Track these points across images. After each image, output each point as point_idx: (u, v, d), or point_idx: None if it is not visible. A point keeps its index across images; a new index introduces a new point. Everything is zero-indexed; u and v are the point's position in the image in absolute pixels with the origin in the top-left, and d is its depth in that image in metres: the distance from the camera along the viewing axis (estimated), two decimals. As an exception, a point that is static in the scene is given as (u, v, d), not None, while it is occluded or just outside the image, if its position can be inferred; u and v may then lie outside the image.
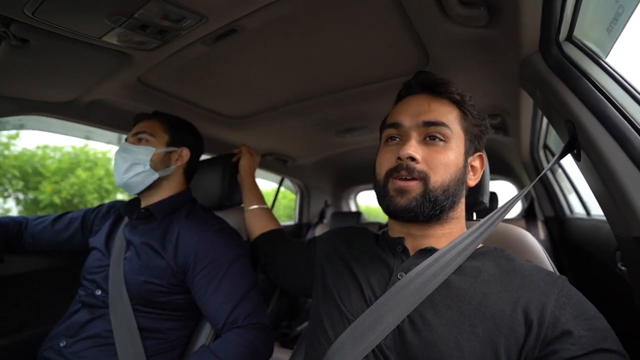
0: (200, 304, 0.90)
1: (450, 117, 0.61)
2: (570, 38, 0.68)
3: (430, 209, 0.58)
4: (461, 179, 0.62)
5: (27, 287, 1.13)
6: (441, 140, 0.60)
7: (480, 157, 0.67)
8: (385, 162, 0.62)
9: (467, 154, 0.63)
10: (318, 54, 0.91)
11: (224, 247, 0.94)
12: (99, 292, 0.92)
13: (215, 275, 0.89)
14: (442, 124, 0.60)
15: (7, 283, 1.08)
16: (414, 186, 0.58)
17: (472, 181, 0.66)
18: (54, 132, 1.32)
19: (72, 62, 0.84)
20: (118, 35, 0.72)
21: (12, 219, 1.07)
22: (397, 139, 0.63)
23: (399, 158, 0.59)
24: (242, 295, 0.89)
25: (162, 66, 0.92)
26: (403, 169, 0.59)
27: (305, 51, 0.89)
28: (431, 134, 0.60)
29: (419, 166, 0.58)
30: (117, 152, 0.98)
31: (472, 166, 0.66)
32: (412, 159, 0.58)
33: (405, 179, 0.59)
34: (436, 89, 0.64)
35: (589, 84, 0.60)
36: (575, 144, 0.63)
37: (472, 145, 0.64)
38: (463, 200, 0.66)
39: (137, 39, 0.75)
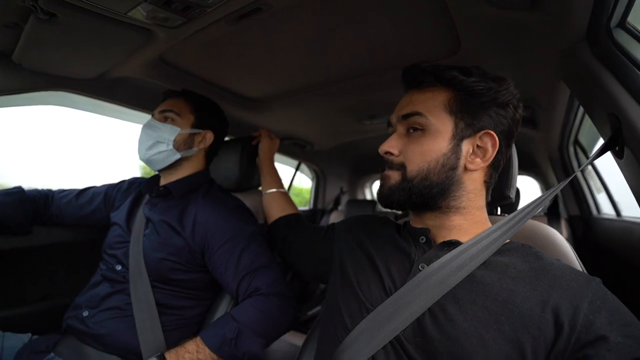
0: (221, 279, 0.91)
1: (431, 104, 0.60)
2: (622, 24, 0.62)
3: (407, 197, 0.60)
4: (448, 164, 0.59)
5: (52, 257, 1.18)
6: (420, 129, 0.61)
7: (489, 134, 0.59)
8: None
9: (460, 137, 0.59)
10: (344, 36, 0.88)
11: (241, 222, 0.96)
12: (119, 267, 0.95)
13: (234, 250, 0.91)
14: (417, 114, 0.61)
15: (34, 253, 1.12)
16: (392, 175, 0.62)
17: (476, 164, 0.60)
18: (80, 109, 1.34)
19: (97, 38, 0.84)
20: (143, 10, 0.71)
21: (39, 191, 1.10)
22: None
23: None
24: (262, 266, 0.90)
25: (184, 45, 0.91)
26: (385, 162, 0.64)
27: (330, 33, 0.86)
28: (411, 126, 0.62)
29: (397, 159, 0.62)
30: (143, 128, 1.00)
31: (479, 147, 0.60)
32: (390, 153, 0.62)
33: (385, 169, 0.64)
34: (416, 79, 0.64)
35: None
36: (619, 140, 0.59)
37: (471, 125, 0.59)
38: (472, 190, 0.61)
39: (162, 15, 0.74)
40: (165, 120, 1.00)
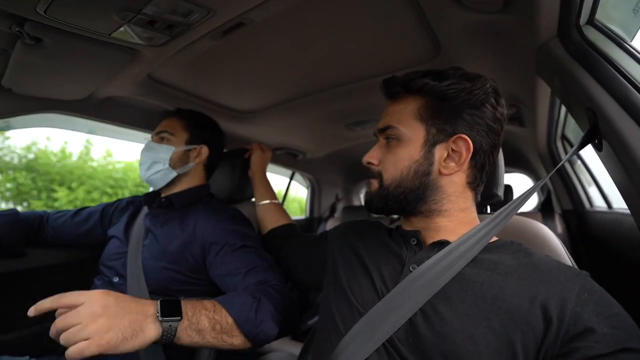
0: (224, 285, 0.89)
1: (402, 115, 0.63)
2: (591, 21, 0.64)
3: (384, 204, 0.64)
4: (421, 170, 0.61)
5: (48, 279, 1.17)
6: (395, 139, 0.64)
7: (462, 139, 0.59)
8: None
9: (431, 143, 0.60)
10: (327, 46, 0.89)
11: (242, 227, 0.97)
12: (116, 279, 0.95)
13: (236, 249, 0.90)
14: (389, 127, 0.64)
15: (28, 276, 1.12)
16: (373, 182, 0.67)
17: (450, 169, 0.60)
18: (75, 130, 1.35)
19: (84, 60, 0.85)
20: (127, 31, 0.73)
21: (33, 213, 1.11)
22: None
23: None
24: (268, 265, 0.89)
25: (171, 62, 0.92)
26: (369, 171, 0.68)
27: (314, 43, 0.88)
28: (387, 136, 0.65)
29: (376, 168, 0.66)
30: (142, 150, 1.04)
31: (454, 151, 0.60)
32: (371, 163, 0.67)
33: (370, 179, 0.68)
34: (389, 92, 0.67)
35: (612, 69, 0.57)
36: (597, 134, 0.60)
37: (443, 131, 0.60)
38: (452, 193, 0.61)
39: (146, 35, 0.75)
40: (161, 141, 1.04)
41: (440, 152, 0.61)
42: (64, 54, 0.80)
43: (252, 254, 0.90)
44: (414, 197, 0.62)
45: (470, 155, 0.60)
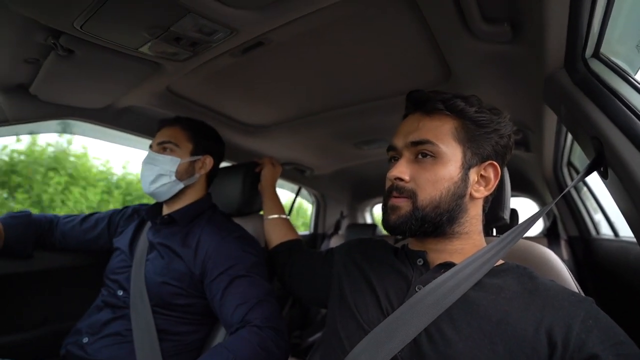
0: (217, 307, 0.90)
1: (440, 131, 0.61)
2: (597, 55, 0.67)
3: (419, 226, 0.60)
4: (458, 193, 0.60)
5: (53, 282, 1.18)
6: (431, 156, 0.61)
7: (493, 165, 0.63)
8: (386, 182, 0.65)
9: (468, 165, 0.61)
10: (341, 67, 0.93)
11: (242, 252, 0.96)
12: (120, 293, 0.95)
13: (233, 279, 0.90)
14: (428, 142, 0.60)
15: (34, 278, 1.13)
16: (403, 203, 0.61)
17: (481, 193, 0.63)
18: (87, 136, 1.39)
19: (109, 71, 0.90)
20: (153, 46, 0.77)
21: (44, 216, 1.12)
22: (395, 160, 0.66)
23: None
24: (259, 298, 0.89)
25: (190, 76, 0.96)
26: (394, 189, 0.62)
27: (328, 64, 0.92)
28: (421, 152, 0.61)
29: (407, 185, 0.61)
30: (144, 162, 1.01)
31: (482, 176, 0.63)
32: (400, 179, 0.61)
33: (396, 197, 0.62)
34: (425, 105, 0.64)
35: (617, 100, 0.59)
36: (602, 162, 0.62)
37: (477, 154, 0.62)
38: (474, 215, 0.63)
39: (170, 50, 0.79)
40: (164, 151, 1.01)
41: (472, 175, 0.62)
42: (92, 65, 0.84)
43: (245, 286, 0.89)
44: (448, 219, 0.60)
45: (497, 181, 0.63)
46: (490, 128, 0.62)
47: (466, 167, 0.61)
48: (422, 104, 0.64)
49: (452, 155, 0.60)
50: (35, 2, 0.61)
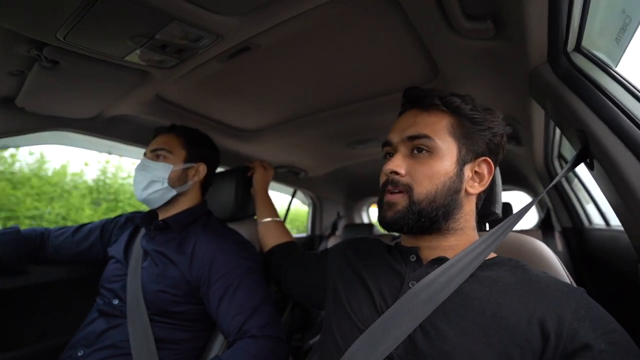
0: (214, 315, 0.90)
1: (437, 127, 0.62)
2: (578, 48, 0.68)
3: (416, 221, 0.60)
4: (453, 188, 0.61)
5: (48, 296, 1.17)
6: (427, 151, 0.61)
7: (486, 162, 0.64)
8: (382, 178, 0.66)
9: (462, 161, 0.62)
10: (328, 68, 0.94)
11: (238, 259, 0.96)
12: (116, 302, 0.94)
13: (229, 287, 0.90)
14: (425, 136, 0.61)
15: (29, 293, 1.12)
16: (399, 199, 0.61)
17: (475, 189, 0.64)
18: (77, 146, 1.38)
19: (96, 81, 0.89)
20: (139, 54, 0.77)
21: (34, 230, 1.11)
22: (390, 155, 0.67)
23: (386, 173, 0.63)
24: (255, 307, 0.89)
25: (179, 83, 0.96)
26: (389, 183, 0.63)
27: (316, 66, 0.92)
28: (416, 147, 0.62)
29: (403, 179, 0.62)
30: (137, 168, 1.02)
31: (476, 172, 0.64)
32: (396, 173, 0.62)
33: (392, 193, 0.63)
34: (422, 101, 0.65)
35: (599, 93, 0.60)
36: (588, 153, 0.63)
37: (472, 151, 0.63)
38: (468, 211, 0.64)
39: (157, 58, 0.79)
40: (157, 158, 1.01)
41: (467, 172, 0.63)
42: (78, 75, 0.84)
43: (241, 295, 0.90)
44: (444, 214, 0.61)
45: (491, 177, 0.64)
46: (484, 126, 0.64)
47: (461, 163, 0.62)
48: (419, 100, 0.66)
49: (448, 150, 0.61)
50: (15, 14, 0.61)
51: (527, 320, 0.49)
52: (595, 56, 0.66)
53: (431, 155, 0.61)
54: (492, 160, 0.64)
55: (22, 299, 1.11)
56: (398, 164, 0.62)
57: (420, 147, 0.62)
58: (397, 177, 0.62)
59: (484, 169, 0.64)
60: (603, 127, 0.57)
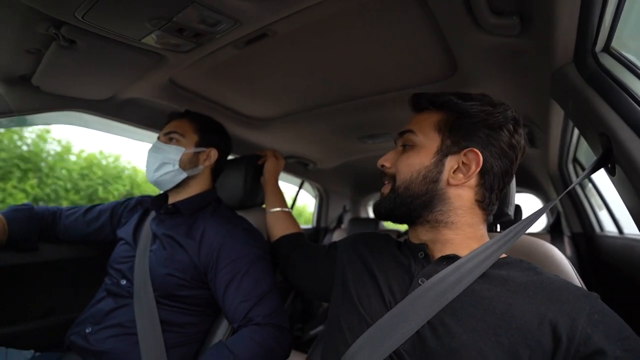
0: (220, 301, 0.91)
1: (423, 123, 0.66)
2: (607, 49, 0.66)
3: (392, 206, 0.65)
4: (429, 177, 0.62)
5: (57, 274, 1.19)
6: (410, 145, 0.67)
7: (473, 152, 0.61)
8: None
9: (444, 153, 0.63)
10: (346, 59, 0.92)
11: (247, 246, 0.96)
12: (124, 282, 0.95)
13: (237, 274, 0.91)
14: (409, 131, 0.67)
15: (39, 269, 1.14)
16: (387, 189, 0.68)
17: (458, 180, 0.62)
18: (90, 127, 1.39)
19: (112, 62, 0.89)
20: (156, 37, 0.76)
21: (47, 209, 1.13)
22: None
23: None
24: (261, 295, 0.89)
25: (193, 68, 0.96)
26: (383, 175, 0.71)
27: (333, 57, 0.91)
28: (405, 142, 0.68)
29: (389, 170, 0.69)
30: (149, 151, 1.03)
31: (464, 164, 0.62)
32: (383, 166, 0.70)
33: (384, 184, 0.70)
34: (415, 104, 0.71)
35: (627, 96, 0.58)
36: (610, 158, 0.61)
37: (458, 144, 0.62)
38: (459, 206, 0.62)
39: (173, 42, 0.79)
40: (170, 141, 1.02)
41: (451, 163, 0.63)
42: (94, 56, 0.84)
43: (248, 282, 0.90)
44: (421, 203, 0.63)
45: (478, 169, 0.61)
46: (478, 118, 0.62)
47: (441, 154, 0.63)
48: (414, 103, 0.71)
49: (428, 143, 0.65)
50: None
51: (538, 322, 0.49)
52: (625, 58, 0.63)
53: (413, 149, 0.66)
54: (481, 152, 0.61)
55: (32, 275, 1.14)
56: (386, 158, 0.70)
57: (406, 142, 0.68)
58: (386, 169, 0.69)
59: (472, 161, 0.61)
60: (629, 132, 0.55)
